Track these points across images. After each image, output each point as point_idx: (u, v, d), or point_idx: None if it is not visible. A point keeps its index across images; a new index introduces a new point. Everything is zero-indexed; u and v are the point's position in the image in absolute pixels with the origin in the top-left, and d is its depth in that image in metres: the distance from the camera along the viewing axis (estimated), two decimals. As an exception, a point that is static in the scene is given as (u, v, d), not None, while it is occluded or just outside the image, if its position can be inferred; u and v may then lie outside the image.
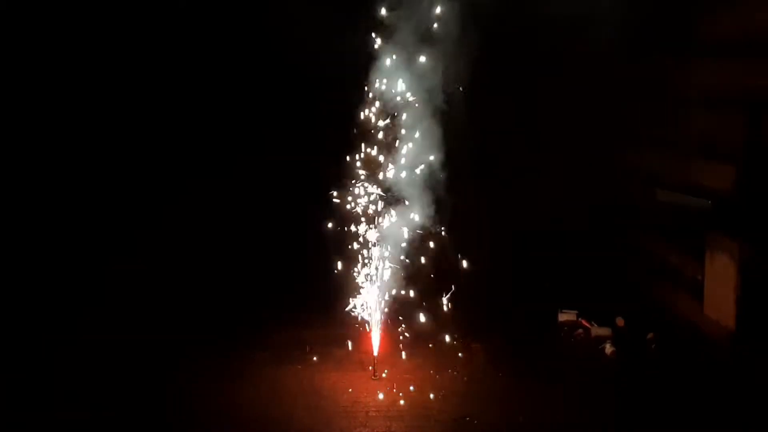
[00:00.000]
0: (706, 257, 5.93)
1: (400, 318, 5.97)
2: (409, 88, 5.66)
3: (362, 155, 5.81)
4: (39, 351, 5.96)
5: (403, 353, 5.92)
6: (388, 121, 5.69)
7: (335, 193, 5.82)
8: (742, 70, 5.90)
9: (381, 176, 5.78)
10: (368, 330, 5.78)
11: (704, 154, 6.37)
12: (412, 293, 5.84)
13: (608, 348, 6.07)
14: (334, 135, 6.19)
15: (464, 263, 6.03)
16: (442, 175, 5.79)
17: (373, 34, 5.64)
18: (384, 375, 5.61)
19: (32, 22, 7.88)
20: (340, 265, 5.86)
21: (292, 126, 8.21)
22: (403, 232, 5.76)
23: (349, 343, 5.94)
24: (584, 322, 6.55)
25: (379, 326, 5.77)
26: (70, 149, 8.00)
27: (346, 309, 5.82)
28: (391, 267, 5.76)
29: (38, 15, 7.90)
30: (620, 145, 7.87)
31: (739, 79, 5.93)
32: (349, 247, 5.85)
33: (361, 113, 5.77)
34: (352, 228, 5.83)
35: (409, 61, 5.65)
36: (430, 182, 5.78)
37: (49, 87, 7.95)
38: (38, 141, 7.87)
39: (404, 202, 5.72)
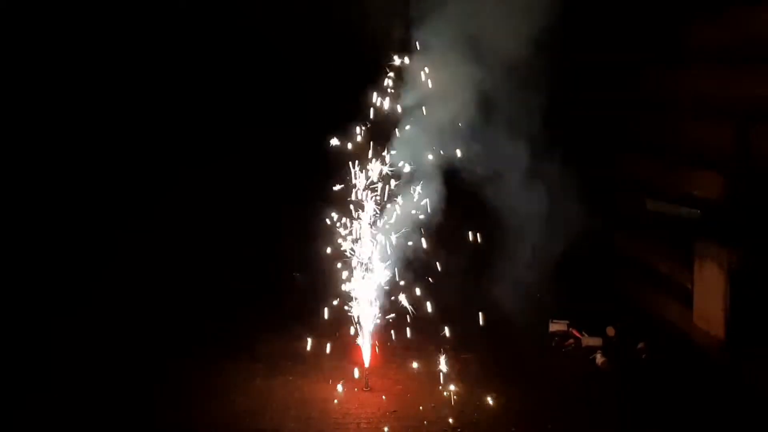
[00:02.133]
0: (695, 266, 5.95)
1: (392, 329, 5.97)
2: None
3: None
4: (16, 359, 5.89)
5: (395, 364, 5.91)
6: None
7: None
8: (732, 80, 5.95)
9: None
10: (360, 341, 5.76)
11: (693, 163, 6.41)
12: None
13: (599, 358, 6.06)
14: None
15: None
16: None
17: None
18: (375, 386, 5.58)
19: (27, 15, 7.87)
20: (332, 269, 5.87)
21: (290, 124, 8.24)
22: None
23: (341, 353, 5.92)
24: (575, 332, 6.55)
25: (371, 337, 5.76)
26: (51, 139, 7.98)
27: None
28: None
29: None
30: (611, 153, 7.90)
31: (728, 89, 5.98)
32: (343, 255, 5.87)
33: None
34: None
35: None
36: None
37: (39, 79, 7.93)
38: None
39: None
